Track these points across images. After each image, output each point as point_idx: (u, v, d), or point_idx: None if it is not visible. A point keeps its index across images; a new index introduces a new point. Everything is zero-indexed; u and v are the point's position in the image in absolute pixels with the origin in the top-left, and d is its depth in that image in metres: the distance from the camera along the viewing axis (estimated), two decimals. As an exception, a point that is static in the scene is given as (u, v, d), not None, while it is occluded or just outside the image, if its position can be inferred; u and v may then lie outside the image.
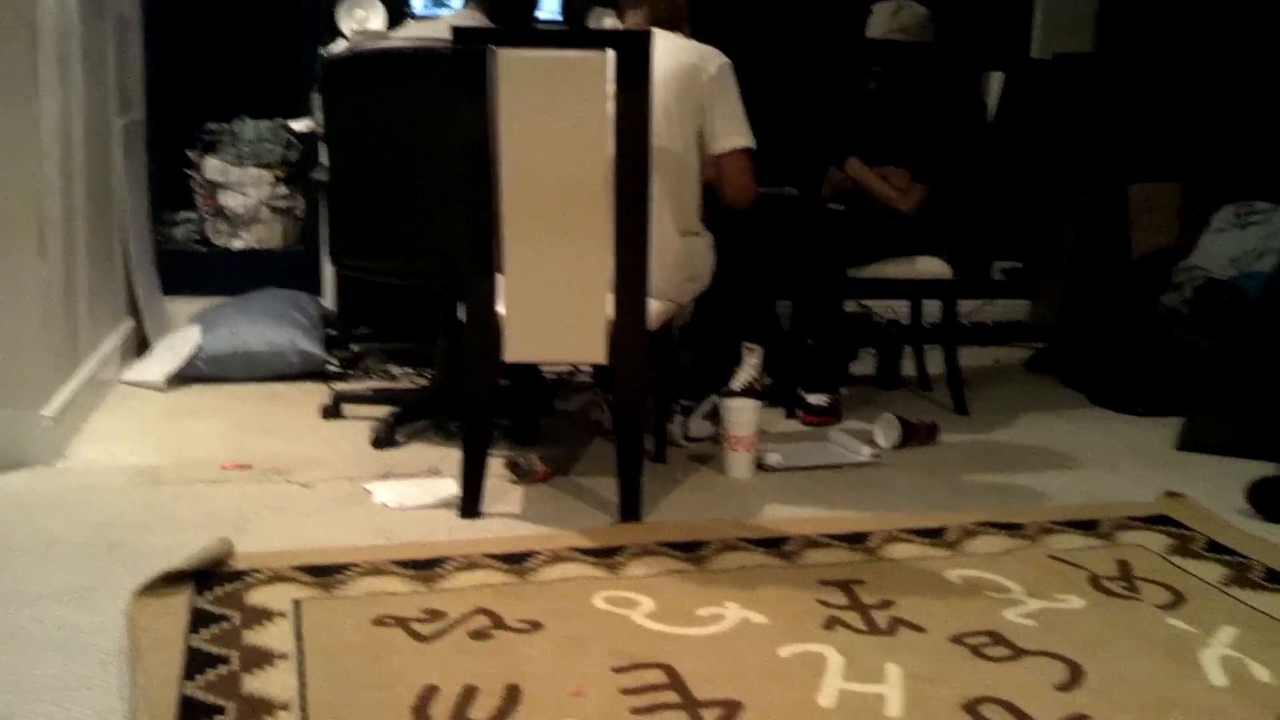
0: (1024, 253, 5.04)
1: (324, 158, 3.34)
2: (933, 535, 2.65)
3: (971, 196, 3.83)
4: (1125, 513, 2.83)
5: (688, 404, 3.36)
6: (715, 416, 3.27)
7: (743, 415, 3.05)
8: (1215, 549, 2.62)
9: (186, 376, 3.75)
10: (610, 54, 2.52)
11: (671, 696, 1.93)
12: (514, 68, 2.54)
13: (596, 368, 3.31)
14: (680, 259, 3.03)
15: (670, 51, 2.98)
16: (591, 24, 4.19)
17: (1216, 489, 3.06)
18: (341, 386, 3.76)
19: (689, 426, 3.33)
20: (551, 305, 2.66)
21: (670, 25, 3.10)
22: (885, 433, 3.36)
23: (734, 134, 3.06)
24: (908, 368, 4.12)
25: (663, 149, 2.94)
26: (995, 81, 3.76)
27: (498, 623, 2.16)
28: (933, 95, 3.81)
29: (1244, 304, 3.97)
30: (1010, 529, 2.69)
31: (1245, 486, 2.93)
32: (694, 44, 3.07)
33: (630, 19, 3.18)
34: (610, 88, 2.53)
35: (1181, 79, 4.90)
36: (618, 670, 2.01)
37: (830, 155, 3.96)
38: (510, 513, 2.77)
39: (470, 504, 2.73)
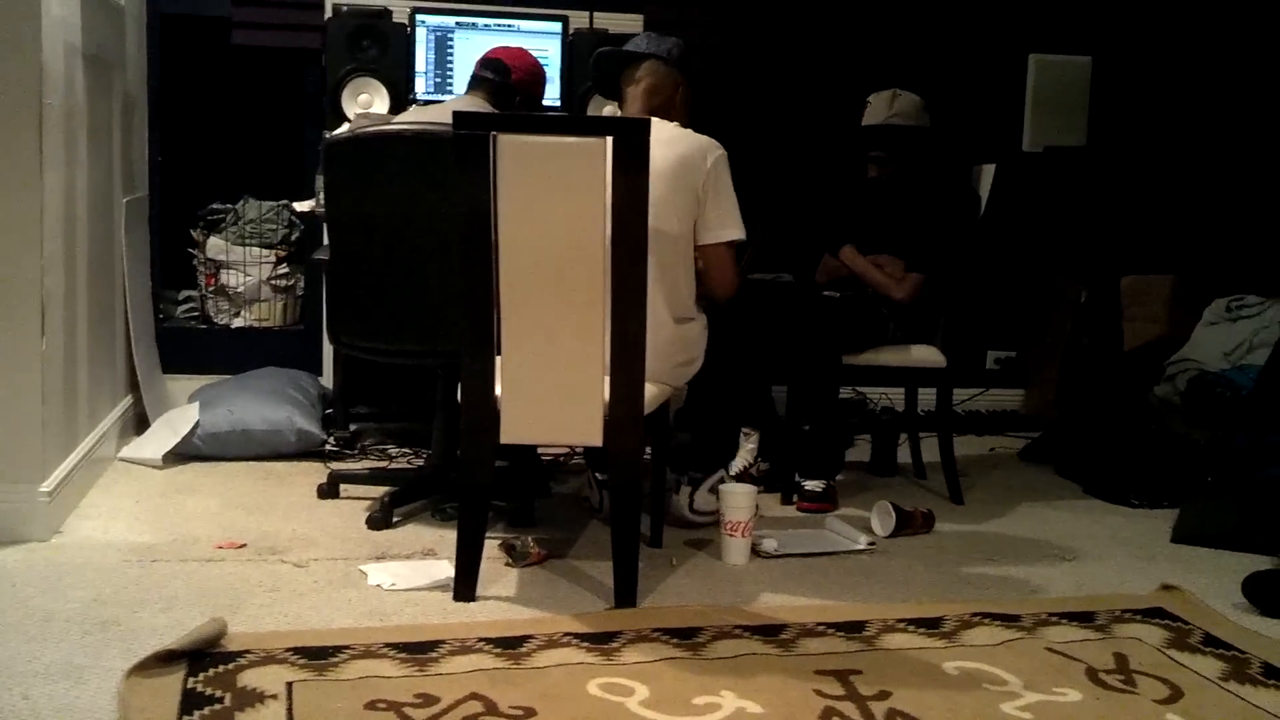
0: (1018, 342, 5.08)
1: (326, 238, 3.38)
2: (930, 625, 2.64)
3: (965, 286, 3.87)
4: (1122, 605, 2.82)
5: (696, 476, 3.34)
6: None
7: (739, 500, 3.05)
8: (1212, 643, 2.61)
9: (184, 454, 3.76)
10: (609, 140, 2.57)
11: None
12: (514, 153, 2.59)
13: (588, 447, 3.32)
14: (674, 343, 3.07)
15: (670, 141, 3.04)
16: (592, 111, 4.25)
17: (1213, 582, 3.05)
18: (338, 466, 3.76)
19: (695, 500, 3.32)
20: (548, 387, 2.68)
21: (664, 113, 3.16)
22: (881, 521, 3.36)
23: (725, 226, 3.11)
24: (903, 455, 4.13)
25: (659, 230, 2.98)
26: (987, 174, 3.82)
27: (491, 709, 2.15)
28: (928, 185, 3.87)
29: (1237, 397, 3.99)
30: (1007, 620, 2.68)
31: (1242, 580, 2.92)
32: (692, 134, 3.12)
33: (630, 102, 3.22)
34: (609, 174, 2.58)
35: (1172, 173, 4.98)
36: (613, 759, 1.99)
37: (825, 242, 4.00)
38: (505, 596, 2.76)
39: (465, 586, 2.72)
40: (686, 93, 3.25)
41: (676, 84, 3.24)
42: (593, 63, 3.35)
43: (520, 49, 3.66)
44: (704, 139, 3.11)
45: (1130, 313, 4.62)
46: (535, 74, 3.63)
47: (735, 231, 3.12)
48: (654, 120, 3.07)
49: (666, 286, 3.03)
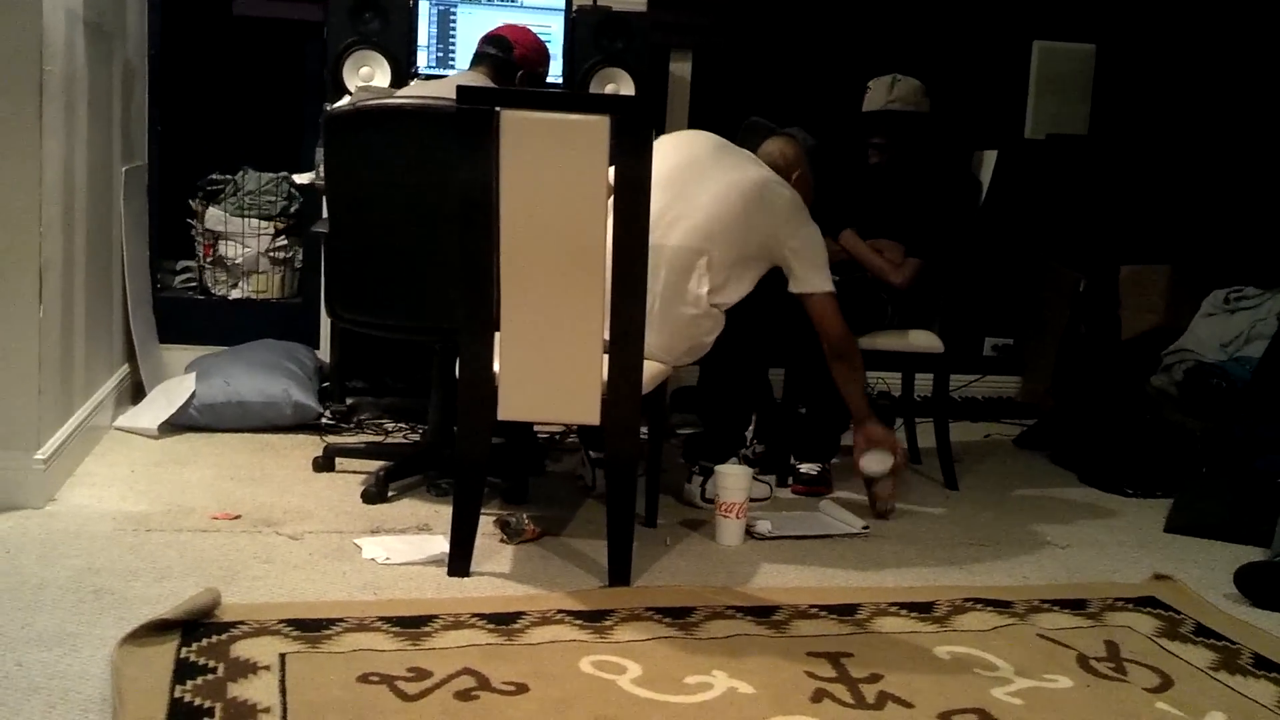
0: (1015, 330, 5.08)
1: (325, 211, 3.37)
2: (922, 609, 2.65)
3: (964, 272, 3.87)
4: (1114, 593, 2.83)
5: (708, 466, 3.35)
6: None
7: (734, 482, 3.05)
8: (1203, 633, 2.62)
9: (180, 425, 3.75)
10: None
11: (658, 764, 1.91)
12: (517, 128, 2.57)
13: (583, 425, 3.33)
14: (700, 322, 3.10)
15: (767, 183, 3.20)
16: (594, 88, 4.23)
17: (1205, 572, 3.07)
18: (334, 439, 3.76)
19: (707, 489, 3.32)
20: (546, 364, 2.67)
21: (784, 172, 3.33)
22: (879, 459, 3.33)
23: (818, 282, 3.21)
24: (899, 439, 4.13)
25: (728, 227, 3.10)
26: (989, 160, 3.81)
27: (483, 684, 2.15)
28: (929, 171, 3.86)
29: (1233, 388, 3.99)
30: (999, 606, 2.69)
31: (1234, 571, 2.93)
32: (794, 194, 3.24)
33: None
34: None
35: (1173, 163, 4.97)
36: (604, 736, 1.99)
37: (825, 226, 3.99)
38: (499, 572, 2.76)
39: (459, 562, 2.72)
40: (804, 178, 3.43)
41: (800, 162, 3.44)
42: (744, 125, 3.61)
43: (524, 26, 3.64)
44: (799, 200, 3.23)
45: (1128, 302, 4.62)
46: (539, 51, 3.61)
47: (828, 286, 3.23)
48: (749, 155, 3.30)
49: (716, 276, 3.08)
